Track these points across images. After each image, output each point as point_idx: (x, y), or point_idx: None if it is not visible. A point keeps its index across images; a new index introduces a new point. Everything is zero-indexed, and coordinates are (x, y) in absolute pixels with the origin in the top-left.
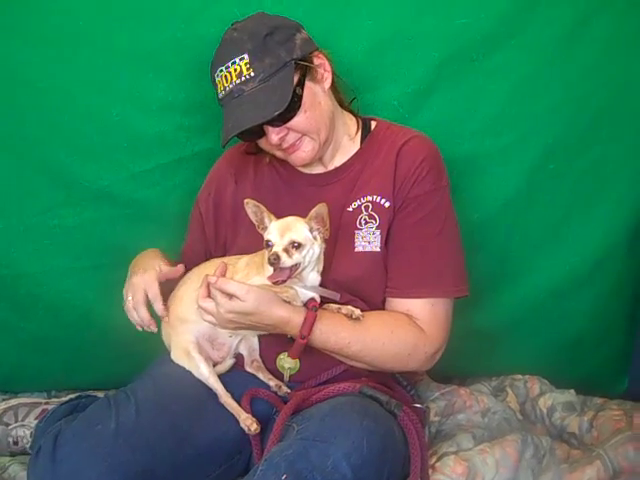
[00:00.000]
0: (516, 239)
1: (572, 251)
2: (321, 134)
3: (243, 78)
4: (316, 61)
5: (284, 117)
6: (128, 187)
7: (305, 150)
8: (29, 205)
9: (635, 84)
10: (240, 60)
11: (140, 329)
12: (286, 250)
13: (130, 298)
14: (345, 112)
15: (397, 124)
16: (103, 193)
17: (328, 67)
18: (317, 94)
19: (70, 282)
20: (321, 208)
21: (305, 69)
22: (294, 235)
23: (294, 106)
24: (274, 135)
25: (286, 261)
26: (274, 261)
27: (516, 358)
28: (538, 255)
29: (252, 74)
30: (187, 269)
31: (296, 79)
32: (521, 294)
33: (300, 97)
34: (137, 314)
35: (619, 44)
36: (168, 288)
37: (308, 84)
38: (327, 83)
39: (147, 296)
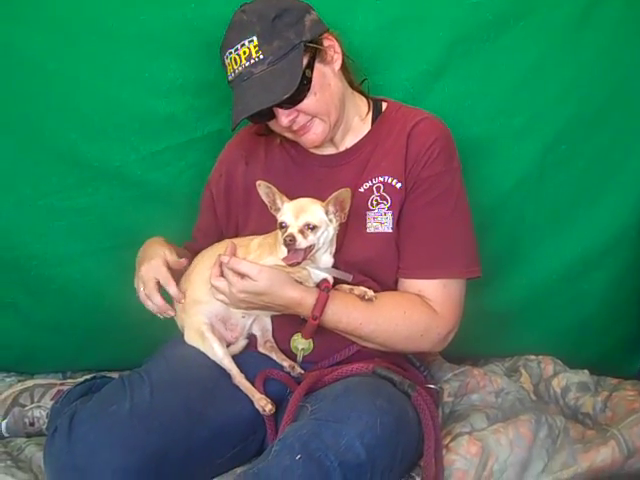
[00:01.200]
0: (527, 221)
1: (583, 233)
2: (331, 116)
3: (252, 60)
4: (326, 43)
5: (293, 99)
6: (139, 168)
7: (316, 132)
8: (40, 187)
9: None
10: (249, 42)
11: (161, 316)
12: (301, 231)
13: (142, 289)
14: (356, 93)
15: (408, 105)
16: (114, 174)
17: (338, 48)
18: (327, 76)
19: (82, 263)
20: (344, 193)
21: (314, 51)
22: (309, 217)
23: (303, 88)
24: (284, 117)
25: (301, 242)
26: (290, 242)
27: (528, 339)
28: (549, 237)
29: (261, 57)
30: (199, 250)
31: (305, 61)
32: (532, 276)
33: (310, 79)
34: (152, 302)
35: (631, 26)
36: (176, 274)
37: (318, 66)
38: (337, 64)
39: (158, 283)
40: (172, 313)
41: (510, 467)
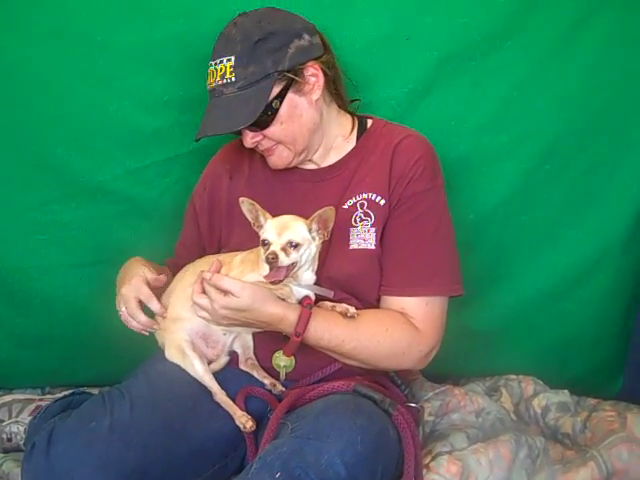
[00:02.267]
0: (511, 239)
1: (567, 252)
2: (297, 145)
3: (225, 80)
4: (308, 72)
5: (257, 125)
6: (124, 183)
7: (280, 156)
8: (24, 200)
9: (634, 85)
10: (227, 61)
11: (146, 333)
12: (284, 249)
13: (124, 309)
14: (341, 112)
15: (393, 122)
16: (99, 189)
17: (321, 78)
18: (299, 107)
19: (65, 278)
20: (328, 212)
21: (290, 81)
22: (292, 234)
23: (267, 118)
24: (248, 138)
25: (284, 260)
26: (272, 260)
27: (510, 358)
28: (533, 255)
29: (233, 79)
30: (181, 266)
31: (277, 91)
32: (516, 294)
33: (277, 110)
34: (136, 321)
35: (618, 45)
36: (157, 292)
37: (291, 96)
38: (315, 95)
39: (140, 302)
40: (157, 327)
41: None
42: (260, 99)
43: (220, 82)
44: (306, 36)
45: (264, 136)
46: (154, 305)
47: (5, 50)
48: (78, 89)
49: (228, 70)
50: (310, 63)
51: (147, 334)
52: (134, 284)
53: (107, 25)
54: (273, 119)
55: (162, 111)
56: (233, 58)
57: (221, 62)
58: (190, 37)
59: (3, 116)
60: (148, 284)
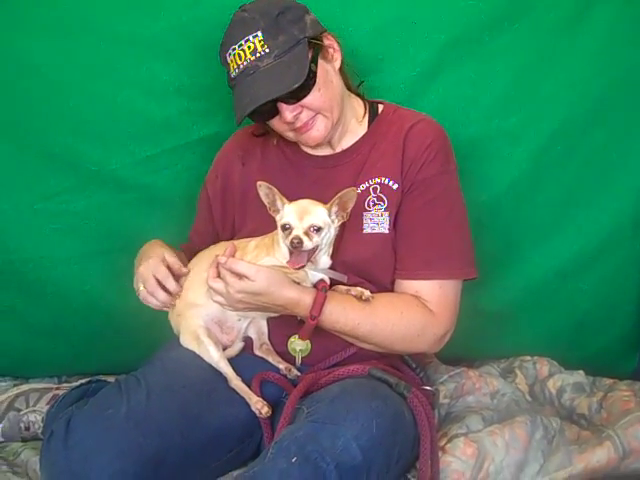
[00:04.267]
0: (522, 221)
1: (578, 232)
2: (334, 112)
3: (258, 54)
4: (326, 41)
5: (300, 93)
6: (135, 172)
7: (319, 129)
8: (37, 190)
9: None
10: (254, 37)
11: (165, 309)
12: (306, 233)
13: (142, 288)
14: (352, 95)
15: (404, 107)
16: (110, 178)
17: (337, 47)
18: (329, 73)
19: (78, 267)
20: (350, 193)
21: (317, 48)
22: (314, 218)
23: (309, 82)
24: (288, 112)
25: (308, 244)
26: (297, 244)
27: (524, 338)
28: (545, 236)
29: (267, 50)
30: (195, 252)
31: (310, 56)
32: (528, 275)
33: (315, 74)
34: (156, 299)
35: (623, 27)
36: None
37: (321, 62)
38: (337, 63)
39: (158, 279)
40: (174, 304)
41: (506, 468)
42: (301, 61)
43: (252, 58)
44: (310, 12)
45: (302, 108)
46: (170, 284)
47: (12, 42)
48: (85, 79)
49: (258, 45)
50: (325, 34)
51: (165, 309)
52: (152, 263)
53: (113, 15)
54: (313, 84)
55: (171, 99)
56: (260, 33)
57: (247, 41)
58: (196, 25)
59: (12, 107)
60: (166, 265)
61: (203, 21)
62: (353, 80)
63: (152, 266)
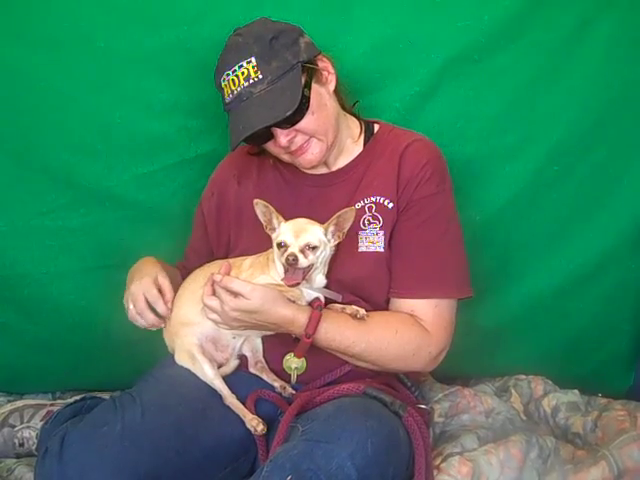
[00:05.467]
0: (519, 239)
1: (575, 251)
2: (329, 135)
3: (251, 81)
4: (320, 64)
5: (293, 119)
6: (131, 188)
7: (313, 152)
8: (33, 206)
9: (638, 85)
10: (247, 63)
11: (153, 328)
12: (302, 251)
13: (132, 307)
14: (348, 115)
15: (400, 127)
16: (107, 194)
17: (332, 70)
18: (323, 96)
19: (74, 283)
20: (349, 213)
21: (311, 72)
22: (309, 237)
23: (303, 107)
24: (283, 137)
25: (303, 262)
26: (292, 262)
27: (519, 356)
28: (541, 255)
29: (260, 76)
30: (191, 269)
31: (303, 81)
32: (524, 293)
33: (308, 99)
34: (143, 320)
35: (622, 46)
36: None
37: (314, 86)
38: (332, 85)
39: (148, 301)
40: (163, 325)
41: None
42: (294, 87)
43: (246, 84)
44: (305, 35)
45: (297, 132)
46: (160, 307)
47: (10, 57)
48: (83, 95)
49: (252, 71)
50: (319, 56)
51: (154, 329)
52: (144, 283)
53: (111, 31)
54: (307, 109)
55: (168, 116)
56: (253, 58)
57: (240, 67)
58: (194, 43)
59: (9, 123)
60: (158, 287)
61: (201, 38)
62: (348, 100)
63: (144, 286)
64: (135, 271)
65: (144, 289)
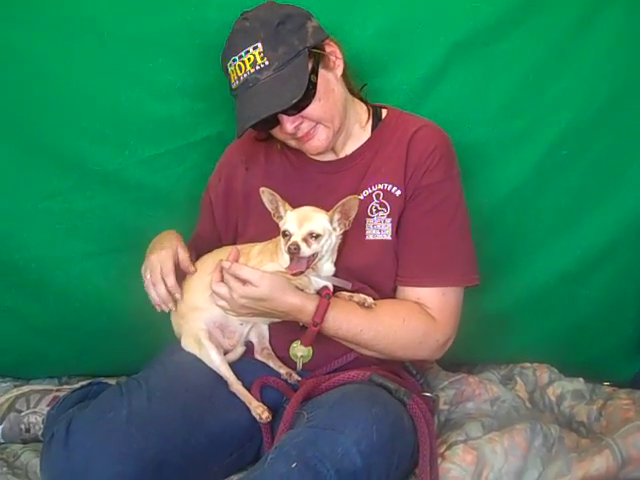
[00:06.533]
0: (526, 224)
1: (582, 237)
2: (335, 121)
3: (257, 67)
4: (327, 49)
5: (299, 105)
6: (138, 171)
7: (320, 138)
8: (39, 190)
9: None
10: (254, 49)
11: (158, 309)
12: (305, 240)
13: (148, 276)
14: (356, 100)
15: (408, 112)
16: (113, 177)
17: (339, 54)
18: (330, 81)
19: (80, 267)
20: (352, 201)
21: (318, 57)
22: (313, 225)
23: (309, 94)
24: (289, 124)
25: (305, 251)
26: (294, 251)
27: (525, 342)
28: (548, 240)
29: (266, 63)
30: (198, 255)
31: (310, 67)
32: (531, 279)
33: (315, 85)
34: (156, 292)
35: (630, 31)
36: (181, 276)
37: (321, 72)
38: (339, 70)
39: (162, 272)
40: (172, 307)
41: (505, 476)
42: (300, 74)
43: (252, 70)
44: (313, 19)
45: (303, 119)
46: (170, 281)
47: (14, 41)
48: (89, 78)
49: (258, 57)
50: (327, 41)
51: (159, 310)
52: (163, 255)
53: (117, 14)
54: (313, 96)
55: (175, 99)
56: (259, 44)
57: (247, 52)
58: (200, 25)
59: (16, 107)
60: (175, 261)
61: (207, 21)
62: (356, 83)
63: (162, 257)
64: (157, 242)
65: (162, 260)
